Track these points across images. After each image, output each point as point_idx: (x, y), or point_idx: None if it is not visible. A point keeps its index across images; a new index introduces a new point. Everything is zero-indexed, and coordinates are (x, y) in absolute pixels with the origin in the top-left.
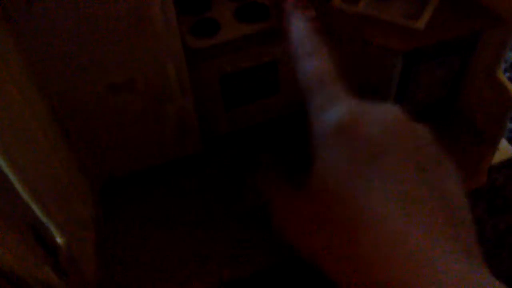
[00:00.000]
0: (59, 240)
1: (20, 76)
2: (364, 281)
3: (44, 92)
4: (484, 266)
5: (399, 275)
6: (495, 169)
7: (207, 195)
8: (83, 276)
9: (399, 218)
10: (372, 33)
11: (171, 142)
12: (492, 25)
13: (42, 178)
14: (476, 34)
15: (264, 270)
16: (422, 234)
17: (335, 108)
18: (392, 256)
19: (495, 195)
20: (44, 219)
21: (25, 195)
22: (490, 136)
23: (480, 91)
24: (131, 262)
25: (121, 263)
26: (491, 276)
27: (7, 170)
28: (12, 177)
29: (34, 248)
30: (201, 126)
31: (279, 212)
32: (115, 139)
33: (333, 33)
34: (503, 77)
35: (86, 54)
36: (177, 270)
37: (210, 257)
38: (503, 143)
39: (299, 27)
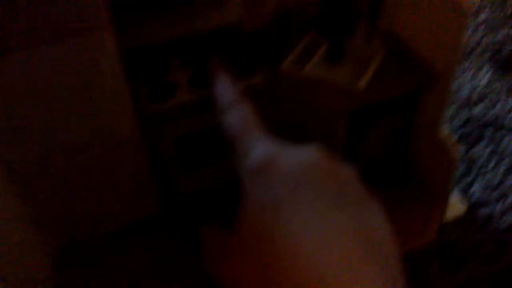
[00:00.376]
0: None
1: None
2: None
3: None
4: None
5: None
6: (449, 226)
7: (165, 258)
8: None
9: (316, 250)
10: (317, 95)
11: (128, 205)
12: (430, 84)
13: None
14: (416, 93)
15: None
16: (340, 266)
17: (254, 151)
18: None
19: (449, 252)
20: None
21: None
22: (438, 192)
23: (425, 149)
24: None
25: None
26: None
27: None
28: None
29: None
30: (159, 188)
31: (207, 250)
32: (71, 202)
33: (282, 96)
34: (445, 136)
35: (40, 116)
36: None
37: None
38: (455, 200)
39: (220, 83)
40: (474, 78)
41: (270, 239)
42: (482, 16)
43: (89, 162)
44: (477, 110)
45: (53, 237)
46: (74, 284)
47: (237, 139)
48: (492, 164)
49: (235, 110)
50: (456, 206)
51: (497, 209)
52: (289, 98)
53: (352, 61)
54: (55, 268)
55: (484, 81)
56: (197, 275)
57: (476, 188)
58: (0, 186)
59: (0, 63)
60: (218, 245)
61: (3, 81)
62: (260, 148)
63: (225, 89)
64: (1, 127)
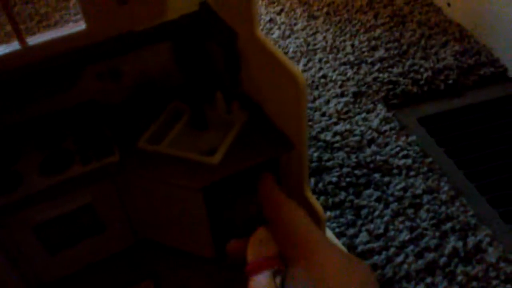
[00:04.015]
0: None
1: None
2: None
3: None
4: None
5: None
6: None
7: None
8: None
9: None
10: (170, 173)
11: None
12: (285, 151)
13: None
14: (274, 160)
15: None
16: None
17: None
18: None
19: None
20: None
21: None
22: None
23: None
24: None
25: None
26: None
27: None
28: None
29: None
30: (28, 276)
31: None
32: None
33: (139, 175)
34: (311, 197)
35: None
36: None
37: None
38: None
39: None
40: (366, 120)
41: None
42: (376, 55)
43: None
44: (367, 153)
45: None
46: None
47: None
48: (378, 212)
49: None
50: None
51: (381, 258)
52: (145, 177)
53: (214, 129)
54: None
55: (376, 122)
56: None
57: (362, 238)
58: None
59: None
60: None
61: None
62: None
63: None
64: None
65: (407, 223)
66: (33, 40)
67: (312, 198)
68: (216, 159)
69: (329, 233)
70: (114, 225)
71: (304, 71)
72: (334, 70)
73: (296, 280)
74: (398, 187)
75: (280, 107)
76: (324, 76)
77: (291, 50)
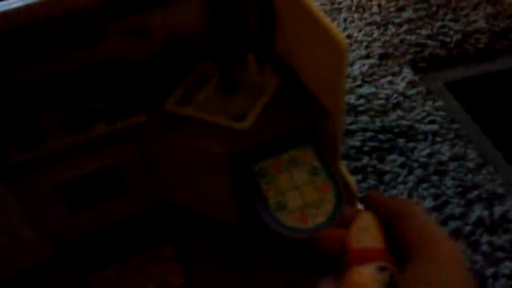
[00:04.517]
0: None
1: None
2: None
3: None
4: None
5: None
6: None
7: None
8: None
9: None
10: (196, 136)
11: (19, 254)
12: (320, 120)
13: None
14: (307, 129)
15: None
16: None
17: None
18: None
19: None
20: None
21: None
22: None
23: None
24: None
25: None
26: None
27: None
28: None
29: None
30: (48, 235)
31: None
32: None
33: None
34: (343, 168)
35: None
36: None
37: None
38: None
39: None
40: (391, 84)
41: None
42: (404, 15)
43: None
44: (391, 118)
45: None
46: None
47: None
48: (401, 178)
49: None
50: None
51: None
52: (171, 140)
53: (245, 93)
54: None
55: (402, 85)
56: None
57: None
58: None
59: None
60: None
61: None
62: None
63: None
64: None
65: (432, 190)
66: None
67: (345, 171)
68: (246, 125)
69: None
70: (137, 188)
71: None
72: (360, 31)
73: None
74: (424, 153)
75: (317, 73)
76: (349, 37)
77: None
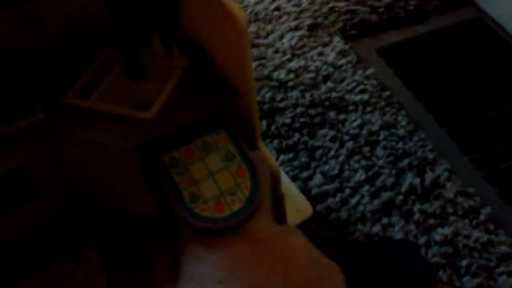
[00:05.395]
0: None
1: None
2: None
3: None
4: None
5: None
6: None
7: None
8: None
9: None
10: (100, 131)
11: None
12: (230, 100)
13: None
14: (219, 112)
15: None
16: None
17: None
18: None
19: None
20: None
21: None
22: None
23: None
24: None
25: None
26: None
27: None
28: None
29: None
30: None
31: None
32: None
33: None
34: (264, 148)
35: None
36: None
37: None
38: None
39: None
40: (321, 55)
41: None
42: None
43: None
44: (322, 91)
45: None
46: None
47: None
48: (332, 152)
49: None
50: (304, 210)
51: (336, 201)
52: (73, 137)
53: (153, 78)
54: None
55: (332, 56)
56: None
57: (316, 181)
58: None
59: None
60: None
61: None
62: None
63: None
64: None
65: (363, 162)
66: None
67: (265, 149)
68: (151, 114)
69: (285, 177)
70: (51, 189)
71: (256, 3)
72: (288, 1)
73: None
74: (354, 124)
75: (223, 51)
76: (277, 8)
77: None
